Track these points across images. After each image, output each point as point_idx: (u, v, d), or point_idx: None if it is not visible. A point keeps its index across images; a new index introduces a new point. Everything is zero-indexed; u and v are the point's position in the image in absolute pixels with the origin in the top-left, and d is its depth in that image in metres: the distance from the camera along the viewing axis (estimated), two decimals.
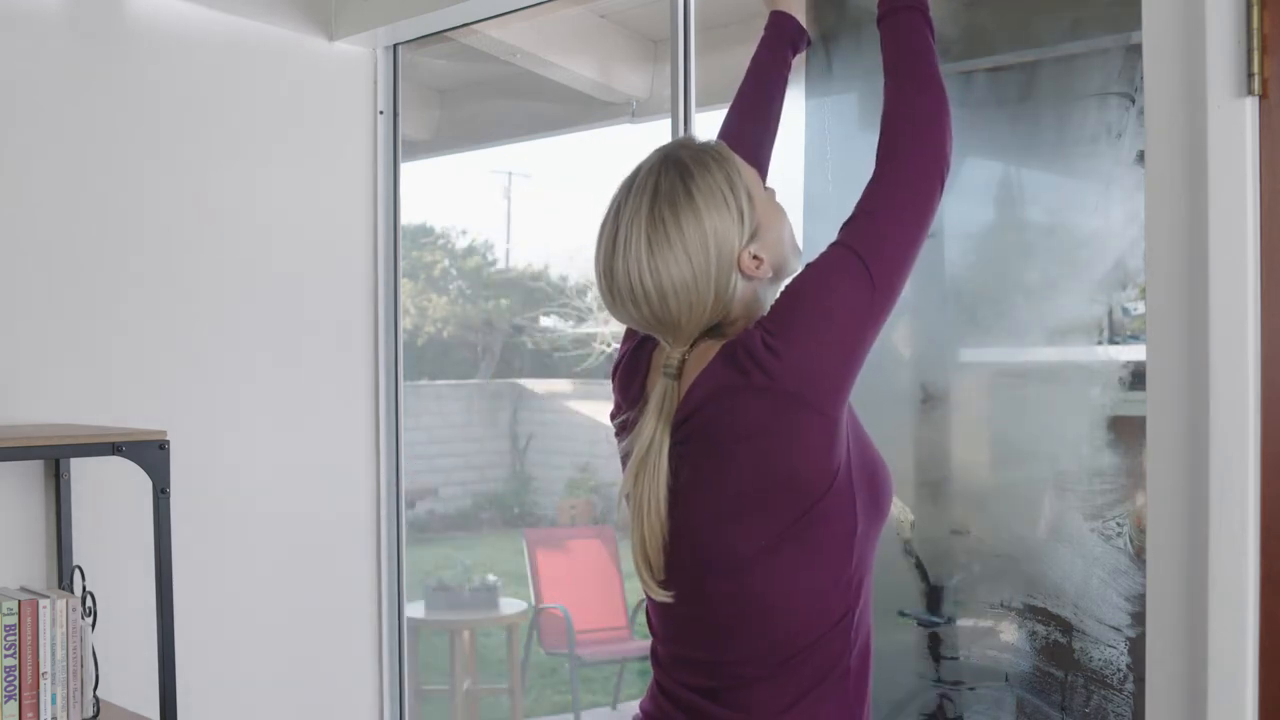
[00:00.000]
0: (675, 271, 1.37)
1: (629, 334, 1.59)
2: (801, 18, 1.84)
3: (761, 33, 1.86)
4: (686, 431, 1.41)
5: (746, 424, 1.36)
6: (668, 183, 1.39)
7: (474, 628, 5.29)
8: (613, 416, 1.56)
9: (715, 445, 1.39)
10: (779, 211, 1.50)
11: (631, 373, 1.54)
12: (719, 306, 1.41)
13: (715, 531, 1.40)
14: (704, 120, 2.49)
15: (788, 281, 1.43)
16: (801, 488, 1.36)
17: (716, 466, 1.39)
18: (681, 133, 2.48)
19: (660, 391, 1.42)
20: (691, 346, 1.44)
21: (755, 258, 1.41)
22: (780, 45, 1.82)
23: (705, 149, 1.45)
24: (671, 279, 1.37)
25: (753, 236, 1.41)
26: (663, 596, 1.43)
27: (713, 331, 1.44)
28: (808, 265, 1.42)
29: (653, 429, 1.41)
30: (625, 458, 1.46)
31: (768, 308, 1.44)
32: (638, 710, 1.53)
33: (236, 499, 2.75)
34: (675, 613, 1.46)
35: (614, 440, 1.53)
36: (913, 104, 1.46)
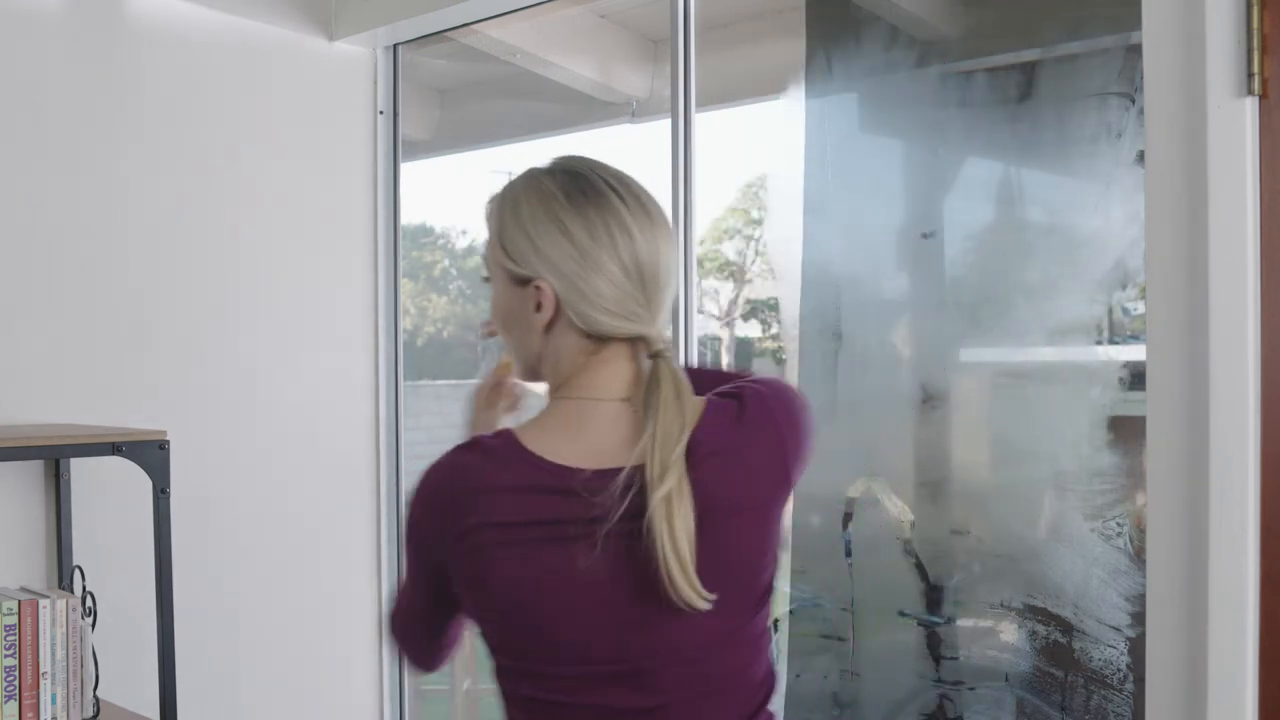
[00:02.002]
0: (671, 255, 1.33)
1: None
2: None
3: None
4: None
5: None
6: (626, 190, 1.33)
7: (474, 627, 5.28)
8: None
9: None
10: None
11: None
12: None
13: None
14: (704, 120, 2.49)
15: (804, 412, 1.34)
16: None
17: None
18: (682, 133, 2.48)
19: (668, 373, 1.26)
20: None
21: None
22: None
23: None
24: (668, 263, 1.32)
25: None
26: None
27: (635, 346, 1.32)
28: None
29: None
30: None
31: None
32: None
33: (236, 499, 2.75)
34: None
35: None
36: None
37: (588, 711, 1.26)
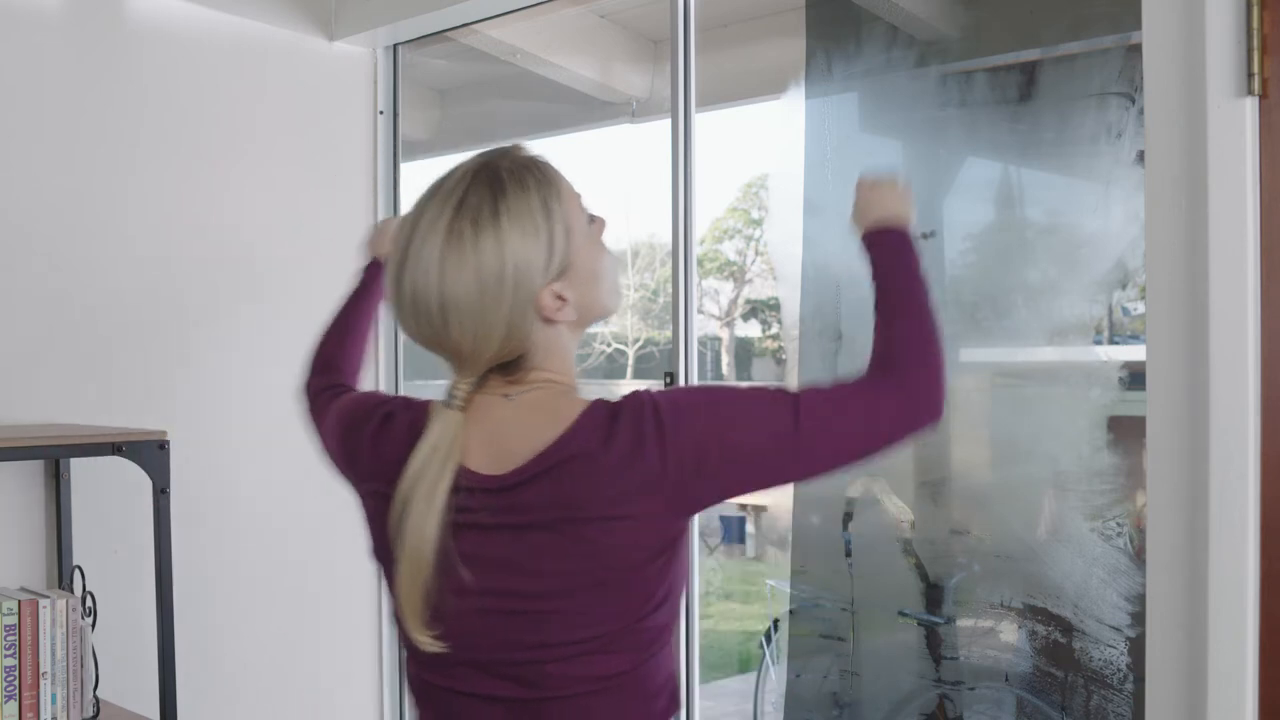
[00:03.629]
0: (461, 292, 1.22)
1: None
2: None
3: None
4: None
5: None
6: (476, 196, 1.24)
7: None
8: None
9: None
10: (600, 249, 1.32)
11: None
12: (511, 344, 1.25)
13: None
14: (704, 120, 2.49)
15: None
16: None
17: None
18: (682, 133, 2.48)
19: (445, 424, 1.27)
20: (481, 382, 1.29)
21: (559, 297, 1.25)
22: (377, 285, 1.89)
23: (528, 165, 1.28)
24: (456, 299, 1.22)
25: (561, 273, 1.25)
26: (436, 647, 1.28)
27: (506, 370, 1.28)
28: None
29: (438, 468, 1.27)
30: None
31: (571, 357, 1.31)
32: None
33: (236, 499, 2.75)
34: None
35: None
36: (909, 336, 1.44)
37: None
